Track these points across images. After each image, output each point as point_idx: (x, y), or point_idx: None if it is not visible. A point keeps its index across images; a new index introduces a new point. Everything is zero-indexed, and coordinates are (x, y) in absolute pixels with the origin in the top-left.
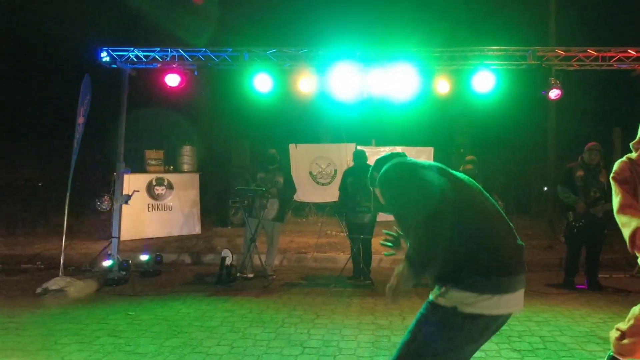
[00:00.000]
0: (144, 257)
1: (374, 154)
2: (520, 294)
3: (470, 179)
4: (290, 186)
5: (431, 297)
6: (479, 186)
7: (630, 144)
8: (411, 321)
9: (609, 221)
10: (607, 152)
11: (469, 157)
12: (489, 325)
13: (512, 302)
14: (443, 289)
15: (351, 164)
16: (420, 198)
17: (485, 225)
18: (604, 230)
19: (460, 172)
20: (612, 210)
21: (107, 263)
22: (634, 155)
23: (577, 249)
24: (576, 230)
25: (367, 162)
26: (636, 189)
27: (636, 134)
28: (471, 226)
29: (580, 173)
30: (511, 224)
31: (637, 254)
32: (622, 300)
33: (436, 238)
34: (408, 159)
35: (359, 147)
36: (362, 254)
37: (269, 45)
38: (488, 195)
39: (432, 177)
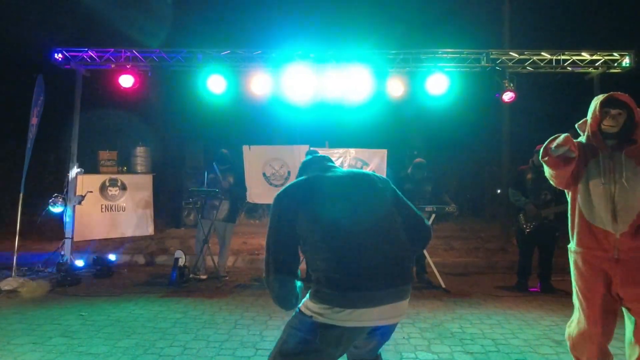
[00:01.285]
0: (97, 258)
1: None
2: (390, 307)
3: (354, 197)
4: (241, 187)
5: (299, 304)
6: (366, 201)
7: (576, 125)
8: None
9: (560, 223)
10: None
11: (415, 160)
12: (350, 335)
13: (372, 316)
14: (306, 299)
15: None
16: (270, 223)
17: (344, 244)
18: (555, 233)
19: (408, 173)
20: (563, 212)
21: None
22: (583, 138)
23: (528, 251)
24: (527, 233)
25: None
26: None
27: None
28: (329, 245)
29: (530, 175)
30: (393, 238)
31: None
32: None
33: (274, 260)
34: (307, 176)
35: (312, 149)
36: None
37: (223, 47)
38: (380, 208)
39: (284, 205)
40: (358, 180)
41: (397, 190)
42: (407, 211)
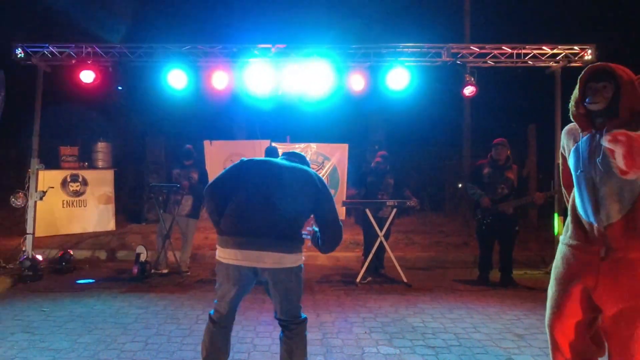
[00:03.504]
0: (58, 254)
1: (289, 151)
2: (255, 253)
3: (273, 180)
4: (205, 182)
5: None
6: (277, 186)
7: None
8: (325, 318)
9: (519, 218)
10: (522, 149)
11: (380, 153)
12: (232, 272)
13: (238, 256)
14: None
15: None
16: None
17: (242, 207)
18: (514, 227)
19: (372, 166)
20: (521, 206)
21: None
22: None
23: (487, 245)
24: (484, 227)
25: None
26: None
27: (551, 130)
28: (234, 205)
29: (487, 170)
30: (282, 215)
31: None
32: (536, 297)
33: (209, 206)
34: (256, 158)
35: (273, 144)
36: None
37: (183, 42)
38: (277, 188)
39: (222, 173)
40: (285, 171)
41: (324, 195)
42: (321, 211)
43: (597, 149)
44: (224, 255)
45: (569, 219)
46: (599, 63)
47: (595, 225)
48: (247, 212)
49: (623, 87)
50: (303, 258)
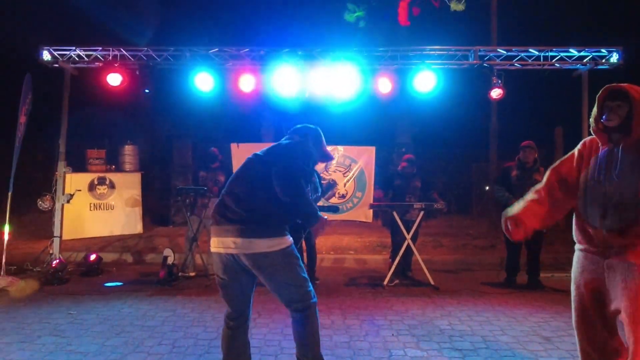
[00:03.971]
0: (85, 257)
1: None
2: (223, 239)
3: (249, 168)
4: None
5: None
6: (252, 174)
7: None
8: (352, 321)
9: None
10: (549, 151)
11: (405, 157)
12: (218, 260)
13: (215, 244)
14: None
15: None
16: None
17: (223, 196)
18: (542, 230)
19: (398, 170)
20: None
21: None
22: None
23: (515, 247)
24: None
25: None
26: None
27: (577, 133)
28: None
29: (515, 172)
30: (247, 199)
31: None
32: (563, 299)
33: None
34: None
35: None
36: (306, 253)
37: (210, 45)
38: (260, 180)
39: None
40: (259, 154)
41: (277, 165)
42: (276, 184)
43: (614, 162)
44: (211, 244)
45: (574, 225)
46: (614, 84)
47: (601, 230)
48: (224, 202)
49: (635, 106)
50: (287, 242)
